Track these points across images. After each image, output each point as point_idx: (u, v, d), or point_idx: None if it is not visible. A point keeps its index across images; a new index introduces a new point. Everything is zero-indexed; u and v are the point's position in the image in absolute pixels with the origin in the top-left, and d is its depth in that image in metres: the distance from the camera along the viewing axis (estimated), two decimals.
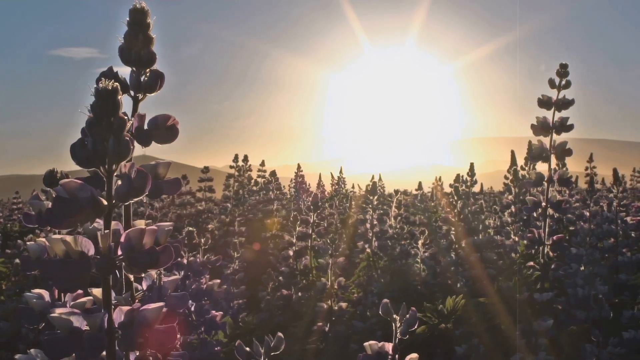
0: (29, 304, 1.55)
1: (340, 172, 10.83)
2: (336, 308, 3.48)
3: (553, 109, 3.23)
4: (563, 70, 3.24)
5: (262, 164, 8.38)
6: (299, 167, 9.29)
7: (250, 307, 3.93)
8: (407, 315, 1.60)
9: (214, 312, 2.75)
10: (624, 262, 4.19)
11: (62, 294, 1.60)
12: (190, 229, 3.25)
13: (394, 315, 1.60)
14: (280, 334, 1.57)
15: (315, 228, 4.01)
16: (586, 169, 7.30)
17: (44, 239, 1.62)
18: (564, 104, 3.23)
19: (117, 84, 0.99)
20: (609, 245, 4.32)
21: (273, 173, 7.71)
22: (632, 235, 4.39)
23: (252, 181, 8.09)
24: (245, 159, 8.09)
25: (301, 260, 3.96)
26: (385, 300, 1.63)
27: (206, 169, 7.27)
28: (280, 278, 3.89)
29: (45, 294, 1.58)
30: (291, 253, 3.98)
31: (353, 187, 10.86)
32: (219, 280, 2.96)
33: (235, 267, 4.07)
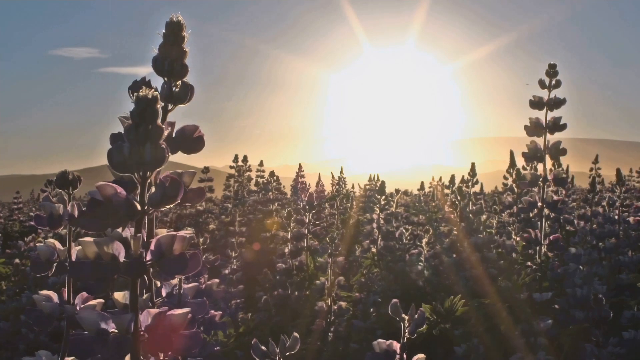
0: (38, 306, 1.56)
1: (341, 172, 10.83)
2: (335, 307, 3.48)
3: (545, 109, 3.24)
4: (552, 70, 3.25)
5: (261, 164, 8.38)
6: (300, 167, 9.29)
7: (249, 307, 3.93)
8: (416, 316, 1.62)
9: (212, 311, 2.75)
10: (625, 262, 4.18)
11: (72, 296, 1.61)
12: (189, 229, 3.24)
13: (403, 315, 1.62)
14: (296, 334, 1.59)
15: (312, 228, 4.01)
16: (591, 169, 7.31)
17: (53, 240, 1.65)
18: (556, 103, 3.23)
19: (157, 92, 1.02)
20: (610, 245, 4.32)
21: (272, 173, 7.72)
22: (633, 235, 4.39)
23: (252, 181, 8.09)
24: (245, 159, 8.10)
25: (297, 259, 3.95)
26: (395, 300, 1.65)
27: (206, 169, 7.28)
28: (277, 277, 3.89)
29: (54, 296, 1.59)
30: (287, 250, 3.97)
31: (353, 187, 10.85)
32: (217, 280, 2.96)
33: (233, 267, 4.07)
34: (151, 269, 1.07)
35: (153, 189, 1.07)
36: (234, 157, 8.11)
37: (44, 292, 1.59)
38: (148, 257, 1.06)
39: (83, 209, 1.08)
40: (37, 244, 1.67)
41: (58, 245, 1.59)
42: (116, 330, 1.04)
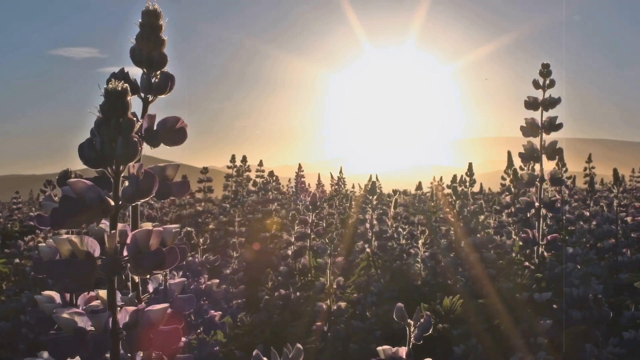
0: (39, 307, 1.55)
1: (340, 172, 10.83)
2: (335, 308, 3.48)
3: (540, 109, 3.24)
4: (546, 70, 3.24)
5: (260, 164, 8.37)
6: (299, 167, 9.28)
7: (249, 307, 3.93)
8: (422, 320, 1.55)
9: (212, 311, 2.75)
10: (624, 262, 4.19)
11: (74, 297, 1.60)
12: (189, 229, 3.25)
13: (409, 320, 1.56)
14: (299, 345, 1.55)
15: (314, 228, 4.01)
16: (585, 169, 7.29)
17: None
18: (551, 103, 3.23)
19: (126, 84, 1.00)
20: (609, 245, 4.33)
21: (271, 173, 7.71)
22: (632, 235, 4.40)
23: (251, 182, 8.08)
24: (244, 159, 8.08)
25: (300, 260, 3.96)
26: (400, 304, 1.59)
27: (205, 170, 7.28)
28: (279, 278, 3.90)
29: (56, 296, 1.58)
30: (289, 252, 3.98)
31: (353, 187, 10.86)
32: (217, 280, 2.96)
33: (234, 267, 4.07)
34: (128, 265, 1.05)
35: (126, 183, 1.04)
36: (231, 157, 8.09)
37: (46, 292, 1.58)
38: (124, 253, 1.04)
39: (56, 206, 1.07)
40: (38, 244, 1.66)
41: None
42: (94, 329, 1.02)
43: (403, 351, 1.55)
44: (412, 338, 1.55)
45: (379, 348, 1.56)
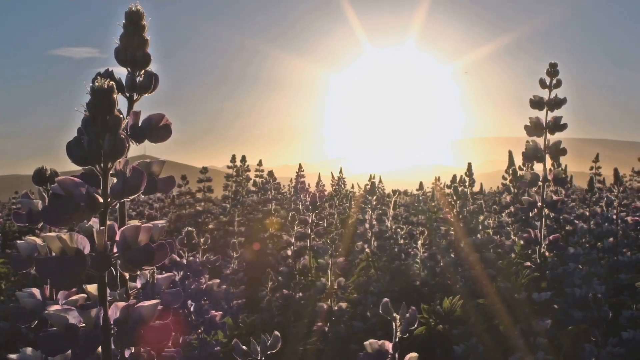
0: (20, 302, 1.56)
1: (340, 172, 10.83)
2: (336, 308, 3.48)
3: (545, 108, 3.22)
4: (553, 70, 3.22)
5: (260, 163, 8.37)
6: (300, 167, 9.27)
7: (250, 307, 3.93)
8: (407, 314, 1.60)
9: (213, 312, 2.76)
10: (624, 261, 4.19)
11: (54, 292, 1.61)
12: (190, 229, 3.25)
13: (394, 314, 1.60)
14: (277, 332, 1.58)
15: (314, 228, 4.01)
16: (591, 168, 7.30)
17: (34, 238, 1.64)
18: (556, 103, 3.21)
19: (112, 82, 1.00)
20: (608, 245, 4.33)
21: (271, 173, 7.71)
22: (632, 235, 4.39)
23: (250, 182, 8.07)
24: (243, 159, 8.08)
25: (300, 260, 3.96)
26: (386, 299, 1.63)
27: (205, 170, 7.28)
28: (280, 278, 3.89)
29: (37, 292, 1.58)
30: (290, 253, 3.97)
31: (353, 187, 10.85)
32: (218, 280, 2.96)
33: (234, 267, 4.07)
34: (118, 261, 1.05)
35: (115, 180, 1.05)
36: (231, 157, 8.10)
37: (27, 289, 1.58)
38: (114, 250, 1.05)
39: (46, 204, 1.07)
40: (18, 241, 1.68)
41: (39, 241, 1.59)
42: (85, 325, 1.03)
43: (389, 345, 1.59)
44: (398, 332, 1.59)
45: (366, 342, 1.61)
